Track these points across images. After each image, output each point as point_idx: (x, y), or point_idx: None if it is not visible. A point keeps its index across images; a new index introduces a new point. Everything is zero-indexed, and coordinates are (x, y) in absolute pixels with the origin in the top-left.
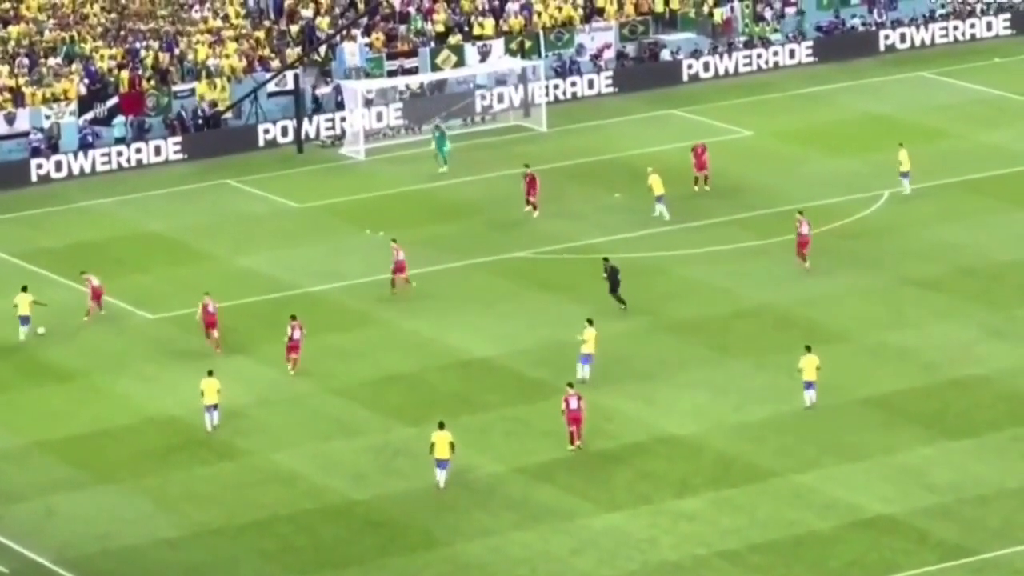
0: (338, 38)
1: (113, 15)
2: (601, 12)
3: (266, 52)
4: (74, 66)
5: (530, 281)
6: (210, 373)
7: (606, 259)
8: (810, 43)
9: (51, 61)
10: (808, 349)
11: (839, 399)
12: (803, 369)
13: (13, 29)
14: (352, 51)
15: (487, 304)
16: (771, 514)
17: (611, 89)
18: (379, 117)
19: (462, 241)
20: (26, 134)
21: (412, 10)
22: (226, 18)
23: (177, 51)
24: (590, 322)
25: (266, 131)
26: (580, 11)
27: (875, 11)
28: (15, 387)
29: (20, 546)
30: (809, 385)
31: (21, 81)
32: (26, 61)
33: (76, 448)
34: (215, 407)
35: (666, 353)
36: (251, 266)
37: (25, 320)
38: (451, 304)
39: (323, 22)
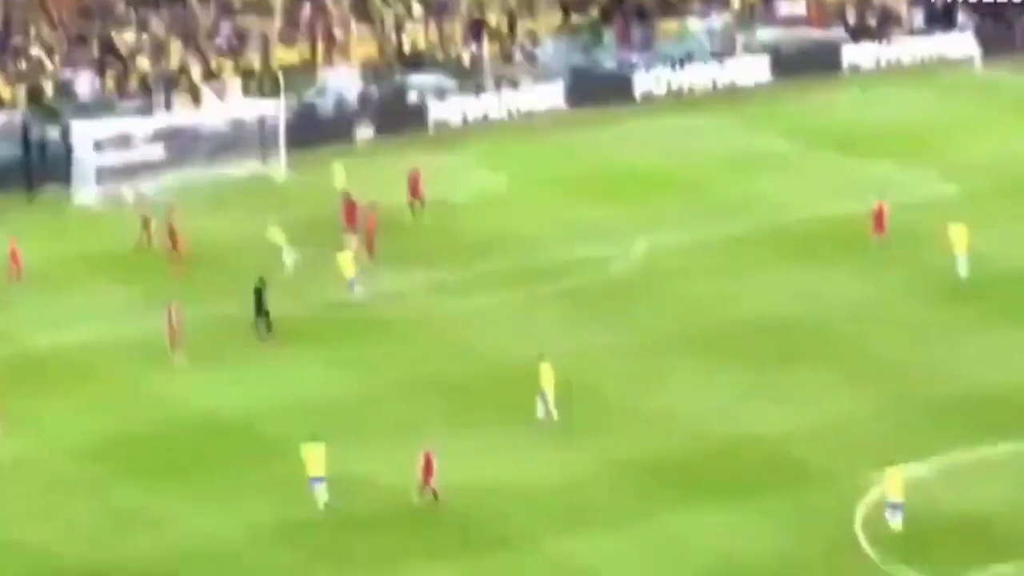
0: (69, 76)
1: None
2: (344, 51)
3: None
4: None
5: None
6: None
7: (261, 278)
8: (561, 86)
9: None
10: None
11: (594, 463)
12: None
13: None
14: (83, 91)
15: (226, 359)
16: None
17: (358, 133)
18: (112, 160)
19: (198, 293)
20: None
21: (146, 47)
22: None
23: None
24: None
25: None
26: (320, 51)
27: (630, 54)
28: None
29: None
30: (544, 395)
31: None
32: None
33: None
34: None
35: (408, 414)
36: None
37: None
38: (189, 359)
39: (52, 59)
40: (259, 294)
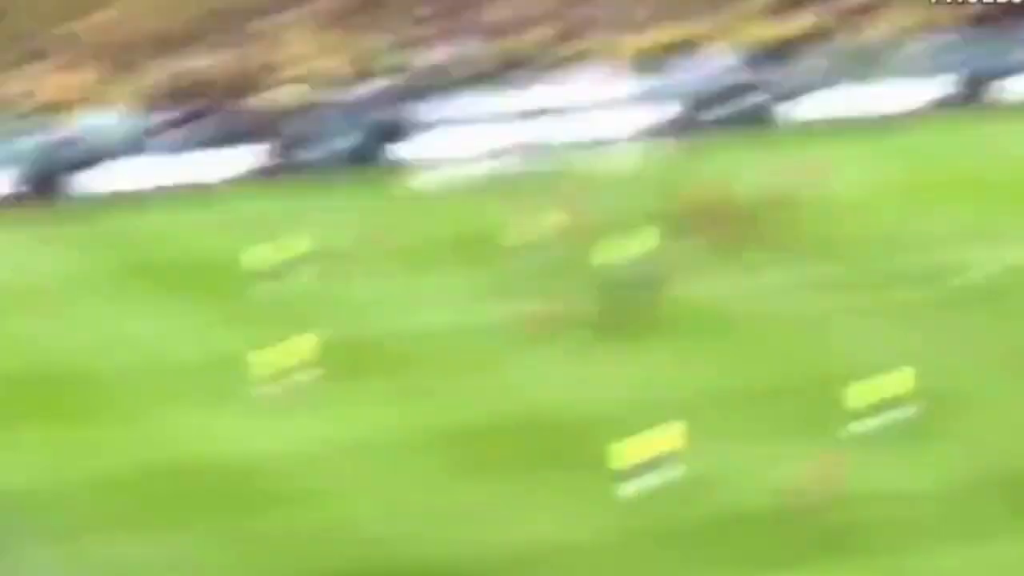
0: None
1: None
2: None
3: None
4: None
5: None
6: None
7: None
8: (939, 82)
9: None
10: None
11: (960, 474)
12: None
13: None
14: (442, 57)
15: (575, 352)
16: None
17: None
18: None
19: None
20: None
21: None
22: None
23: None
24: None
25: None
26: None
27: None
28: None
29: None
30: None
31: None
32: None
33: None
34: None
35: (753, 417)
36: None
37: None
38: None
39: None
40: (637, 283)
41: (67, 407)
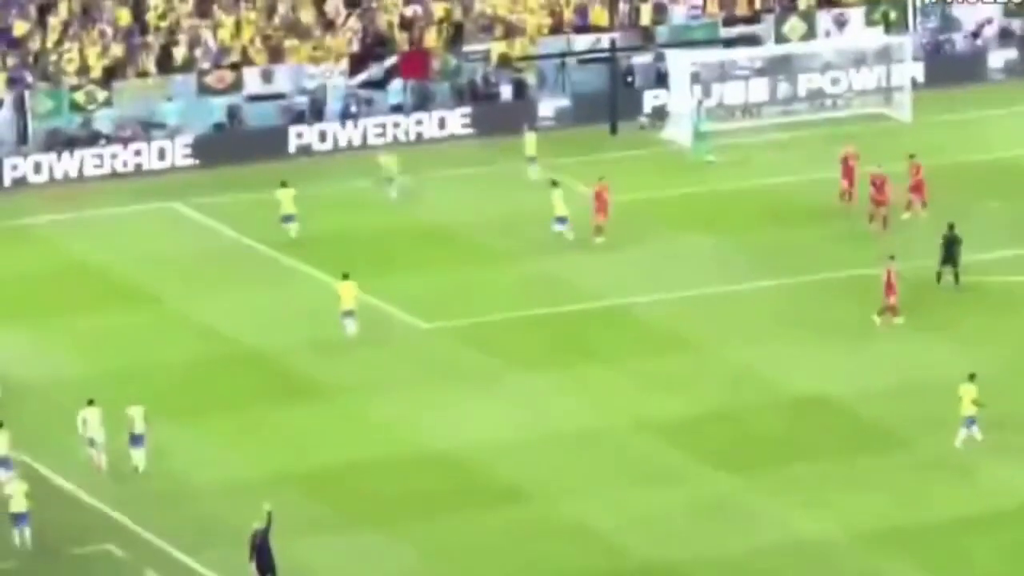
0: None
1: None
2: None
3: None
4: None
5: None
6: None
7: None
8: None
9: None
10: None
11: None
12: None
13: None
14: (681, 13)
15: (824, 332)
16: None
17: (1000, 76)
18: (708, 95)
19: (802, 252)
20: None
21: None
22: None
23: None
24: (971, 378)
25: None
26: None
27: None
28: (259, 405)
29: None
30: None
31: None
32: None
33: (327, 483)
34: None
35: None
36: (549, 271)
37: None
38: (779, 329)
39: None
40: (949, 243)
41: None
